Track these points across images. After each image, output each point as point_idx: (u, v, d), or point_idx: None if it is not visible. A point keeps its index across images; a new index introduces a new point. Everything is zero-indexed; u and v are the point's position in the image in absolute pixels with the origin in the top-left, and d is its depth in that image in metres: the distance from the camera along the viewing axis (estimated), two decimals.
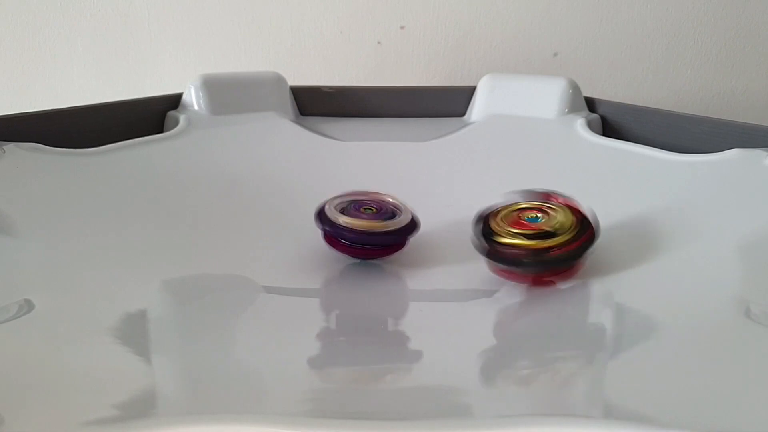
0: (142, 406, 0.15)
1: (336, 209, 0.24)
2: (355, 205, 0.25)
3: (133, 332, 0.19)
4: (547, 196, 0.24)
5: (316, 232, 0.26)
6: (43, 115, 0.31)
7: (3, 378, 0.15)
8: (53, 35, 0.48)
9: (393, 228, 0.24)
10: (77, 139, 0.31)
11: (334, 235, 0.24)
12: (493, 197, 0.30)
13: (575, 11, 0.47)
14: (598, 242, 0.23)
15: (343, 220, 0.24)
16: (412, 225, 0.25)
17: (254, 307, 0.23)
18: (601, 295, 0.23)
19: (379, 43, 0.48)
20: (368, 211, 0.25)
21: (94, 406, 0.14)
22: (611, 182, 0.30)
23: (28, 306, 0.19)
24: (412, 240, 0.25)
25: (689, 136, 0.32)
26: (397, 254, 0.25)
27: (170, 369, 0.18)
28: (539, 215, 0.23)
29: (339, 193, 0.26)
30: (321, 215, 0.24)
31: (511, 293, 0.23)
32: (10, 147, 0.28)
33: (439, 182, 0.32)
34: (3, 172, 0.26)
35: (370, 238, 0.24)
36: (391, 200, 0.26)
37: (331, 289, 0.25)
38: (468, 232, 0.24)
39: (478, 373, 0.18)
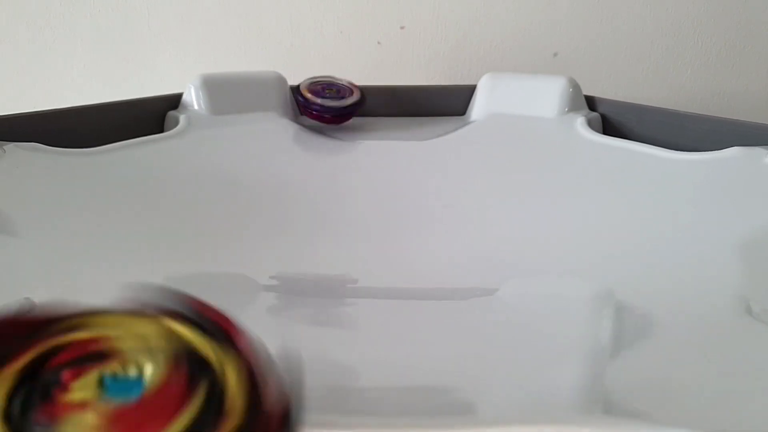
0: None
1: (307, 87, 0.36)
2: (328, 86, 0.37)
3: None
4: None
5: (315, 232, 0.26)
6: (43, 115, 0.31)
7: None
8: (53, 35, 0.48)
9: (328, 105, 0.36)
10: (77, 139, 0.31)
11: (305, 106, 0.36)
12: (493, 195, 0.30)
13: (575, 11, 0.47)
14: (602, 242, 0.23)
15: (306, 95, 0.36)
16: (357, 104, 0.36)
17: (254, 305, 0.23)
18: (602, 293, 0.22)
19: (379, 43, 0.48)
20: (330, 91, 0.36)
21: None
22: (611, 181, 0.30)
23: (28, 305, 0.19)
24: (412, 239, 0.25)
25: (690, 135, 0.32)
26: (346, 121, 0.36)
27: None
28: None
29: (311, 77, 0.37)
30: (297, 92, 0.36)
31: (510, 292, 0.23)
32: (10, 147, 0.28)
33: (440, 180, 0.32)
34: (3, 172, 0.26)
35: (328, 111, 0.36)
36: (351, 91, 0.37)
37: (328, 286, 0.25)
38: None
39: (479, 371, 0.18)
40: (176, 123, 0.34)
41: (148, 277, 0.23)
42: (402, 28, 0.47)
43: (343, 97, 0.36)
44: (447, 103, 0.39)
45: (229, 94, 0.36)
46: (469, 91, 0.38)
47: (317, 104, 0.35)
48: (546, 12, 0.47)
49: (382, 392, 0.17)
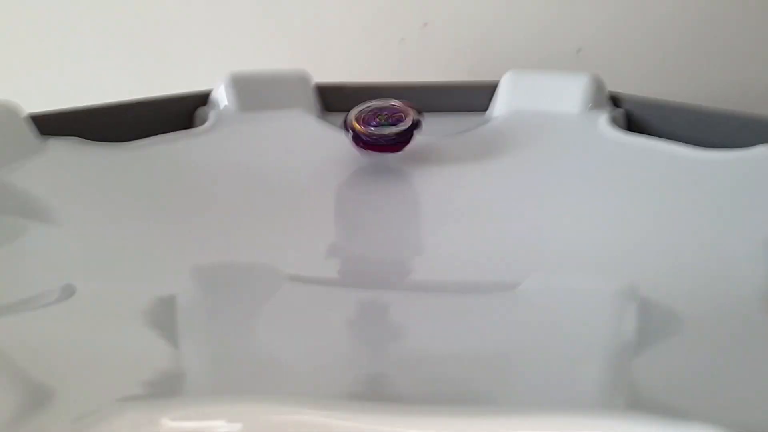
0: (171, 385, 0.16)
1: (357, 113, 0.33)
2: (378, 111, 0.33)
3: (165, 316, 0.20)
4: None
5: (338, 225, 0.26)
6: (81, 112, 0.33)
7: (51, 355, 0.16)
8: (83, 36, 0.50)
9: (380, 134, 0.32)
10: (112, 134, 0.32)
11: (354, 139, 0.32)
12: (516, 192, 0.30)
13: (599, 6, 0.46)
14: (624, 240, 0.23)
15: (351, 121, 0.32)
16: (411, 129, 0.32)
17: (279, 294, 0.23)
18: (626, 290, 0.23)
19: (402, 40, 0.48)
20: (382, 118, 0.33)
21: (127, 384, 0.15)
22: (636, 178, 0.30)
23: (70, 290, 0.20)
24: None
25: (717, 132, 0.32)
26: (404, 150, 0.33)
27: (198, 351, 0.19)
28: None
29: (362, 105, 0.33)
30: (345, 122, 0.33)
31: (533, 287, 0.24)
32: (52, 141, 0.29)
33: (462, 176, 0.32)
34: (46, 165, 0.28)
35: (378, 141, 0.32)
36: (409, 113, 0.33)
37: (355, 280, 0.25)
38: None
39: (501, 365, 0.19)
40: (206, 119, 0.35)
41: (179, 263, 0.24)
42: (425, 25, 0.48)
43: (396, 122, 0.32)
44: (470, 100, 0.39)
45: (257, 91, 0.37)
46: (491, 88, 0.39)
47: (368, 135, 0.32)
48: (569, 7, 0.46)
49: (405, 382, 0.18)
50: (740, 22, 0.45)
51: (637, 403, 0.16)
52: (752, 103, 0.46)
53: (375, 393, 0.17)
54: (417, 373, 0.18)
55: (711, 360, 0.18)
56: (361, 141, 0.32)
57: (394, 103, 0.33)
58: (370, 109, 0.33)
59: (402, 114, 0.33)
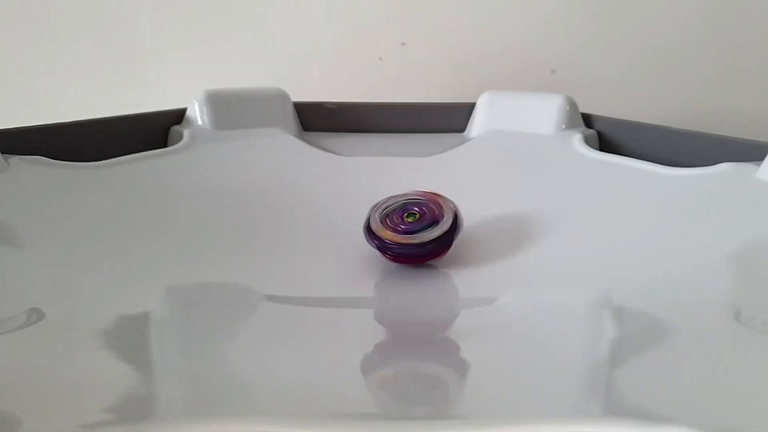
0: (143, 409, 0.16)
1: (380, 218, 0.26)
2: (402, 209, 0.27)
3: (137, 339, 0.20)
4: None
5: (317, 245, 0.26)
6: (47, 129, 0.32)
7: (17, 382, 0.16)
8: (55, 48, 0.49)
9: (434, 237, 0.26)
10: (80, 152, 0.31)
11: (380, 248, 0.26)
12: (493, 210, 0.31)
13: (572, 29, 0.47)
14: (599, 255, 0.23)
15: (377, 228, 0.26)
16: (452, 231, 0.26)
17: (256, 315, 0.23)
18: (601, 302, 0.23)
19: (380, 59, 0.49)
20: (411, 218, 0.26)
21: (96, 410, 0.15)
22: (607, 195, 0.30)
23: (37, 314, 0.19)
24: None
25: (683, 151, 0.33)
26: (443, 257, 0.27)
27: (171, 375, 0.18)
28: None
29: (386, 196, 0.28)
30: (368, 228, 0.27)
31: (510, 301, 0.24)
32: (15, 160, 0.28)
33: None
34: (8, 185, 0.27)
35: (412, 250, 0.26)
36: (442, 208, 0.27)
37: (332, 299, 0.25)
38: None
39: (479, 378, 0.19)
40: (180, 138, 0.35)
41: (151, 285, 0.23)
42: (403, 44, 0.48)
43: (431, 223, 0.26)
44: (447, 120, 0.39)
45: (233, 109, 0.36)
46: (468, 109, 0.39)
47: (401, 244, 0.25)
48: (544, 29, 0.48)
49: (381, 399, 0.17)
50: (709, 46, 0.47)
51: (614, 412, 0.16)
52: (717, 123, 0.48)
53: (351, 411, 0.17)
54: (394, 390, 0.18)
55: (684, 366, 0.18)
56: (391, 252, 0.26)
57: (420, 195, 0.27)
58: (394, 206, 0.27)
59: (435, 209, 0.26)
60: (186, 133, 0.35)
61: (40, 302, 0.20)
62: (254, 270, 0.26)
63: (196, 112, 0.36)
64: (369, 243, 0.26)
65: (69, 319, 0.20)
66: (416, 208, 0.26)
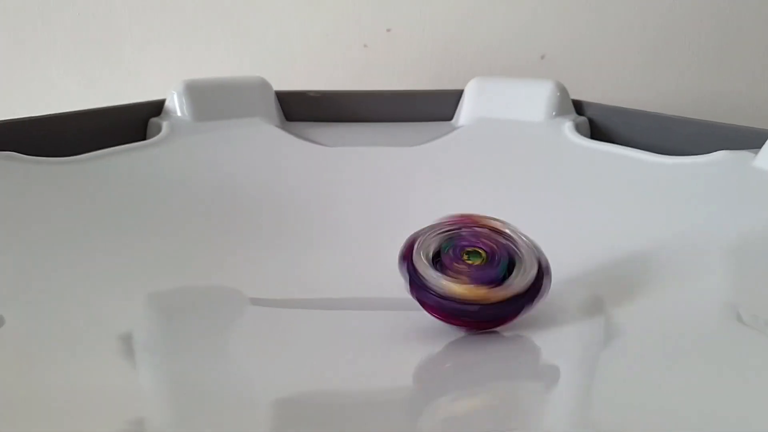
0: (129, 423, 0.15)
1: (426, 255, 0.17)
2: (455, 247, 0.18)
3: (110, 347, 0.19)
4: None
5: (303, 242, 0.25)
6: (21, 123, 0.31)
7: None
8: (32, 40, 0.47)
9: (513, 293, 0.17)
10: (57, 146, 0.30)
11: (425, 300, 0.18)
12: (482, 202, 0.30)
13: (562, 14, 0.46)
14: (589, 247, 0.23)
15: (443, 284, 0.16)
16: (539, 283, 0.17)
17: (242, 320, 0.22)
18: (590, 300, 0.22)
19: (365, 46, 0.47)
20: (474, 258, 0.17)
21: (66, 428, 0.14)
22: (599, 185, 0.30)
23: (0, 321, 0.18)
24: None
25: (677, 138, 0.32)
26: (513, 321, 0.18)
27: (153, 387, 0.17)
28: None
29: (432, 221, 0.19)
30: (408, 264, 0.18)
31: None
32: None
33: (427, 187, 0.31)
34: None
35: (479, 311, 0.16)
36: (504, 236, 0.18)
37: (320, 300, 0.24)
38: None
39: (466, 379, 0.18)
40: (159, 130, 0.34)
41: (131, 289, 0.22)
42: (388, 31, 0.47)
43: (509, 263, 0.18)
44: (434, 108, 0.39)
45: (213, 100, 0.35)
46: (456, 96, 0.38)
47: (488, 305, 0.17)
48: (533, 14, 0.47)
49: (368, 402, 0.17)
50: (700, 30, 0.46)
51: (602, 414, 0.16)
52: (711, 109, 0.47)
53: (341, 419, 0.16)
54: (386, 396, 0.17)
55: (675, 370, 0.17)
56: (472, 317, 0.18)
57: (459, 222, 0.19)
58: (439, 243, 0.18)
59: (492, 243, 0.18)
60: (165, 125, 0.34)
61: (5, 308, 0.19)
62: (238, 271, 0.25)
63: (175, 103, 0.35)
64: (408, 289, 0.18)
65: (34, 327, 0.19)
66: (474, 243, 0.17)
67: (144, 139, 0.34)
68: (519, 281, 0.17)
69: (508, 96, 0.36)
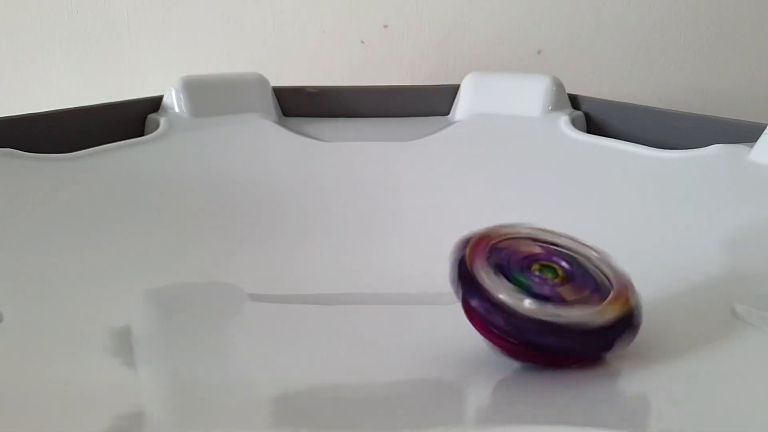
0: (128, 420, 0.15)
1: (489, 266, 0.14)
2: (524, 261, 0.14)
3: (108, 344, 0.19)
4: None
5: (300, 236, 0.25)
6: (21, 120, 0.31)
7: None
8: (30, 38, 0.47)
9: (614, 317, 0.13)
10: (55, 144, 0.30)
11: (493, 324, 0.13)
12: (479, 196, 0.30)
13: (558, 9, 0.47)
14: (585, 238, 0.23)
15: (526, 305, 0.13)
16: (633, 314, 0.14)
17: (240, 315, 0.22)
18: None
19: (362, 42, 0.48)
20: (549, 274, 0.14)
21: (65, 425, 0.14)
22: (595, 179, 0.30)
23: None
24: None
25: (673, 133, 0.32)
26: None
27: (152, 384, 0.17)
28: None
29: (484, 227, 0.16)
30: (465, 275, 0.14)
31: None
32: None
33: (424, 181, 0.32)
34: None
35: (574, 340, 0.13)
36: (584, 252, 0.15)
37: (318, 296, 0.25)
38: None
39: (464, 373, 0.18)
40: (157, 126, 0.34)
41: (129, 285, 0.22)
42: (385, 26, 0.47)
43: (594, 284, 0.14)
44: (431, 104, 0.39)
45: (210, 96, 0.35)
46: (452, 91, 0.38)
47: (526, 323, 0.14)
48: (529, 10, 0.47)
49: (370, 401, 0.17)
50: (695, 24, 0.46)
51: (601, 408, 0.16)
52: (706, 102, 0.47)
53: (341, 413, 0.16)
54: (383, 390, 0.17)
55: (671, 363, 0.17)
56: (573, 350, 0.14)
57: (539, 233, 0.16)
58: (508, 251, 0.15)
59: (592, 273, 0.15)
60: (163, 121, 0.34)
61: (3, 304, 0.19)
62: (235, 266, 0.25)
63: (173, 99, 0.35)
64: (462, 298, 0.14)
65: (33, 323, 0.19)
66: (550, 256, 0.14)
67: (142, 135, 0.34)
68: (608, 309, 0.13)
69: (505, 91, 0.36)
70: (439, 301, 0.24)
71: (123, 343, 0.19)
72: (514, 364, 0.17)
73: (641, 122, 0.34)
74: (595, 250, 0.16)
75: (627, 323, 0.14)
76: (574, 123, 0.34)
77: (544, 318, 0.13)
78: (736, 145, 0.28)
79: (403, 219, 0.29)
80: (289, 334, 0.21)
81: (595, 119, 0.36)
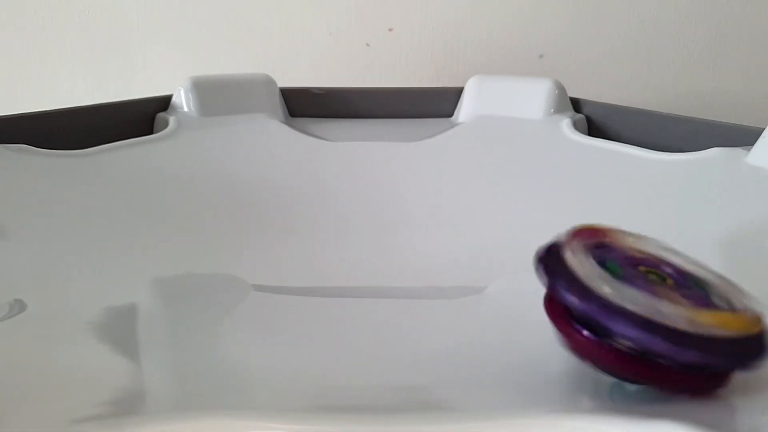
0: (132, 403, 0.15)
1: (590, 264, 0.12)
2: (628, 265, 0.13)
3: (124, 331, 0.19)
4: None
5: (306, 233, 0.26)
6: (32, 117, 0.31)
7: None
8: (42, 37, 0.48)
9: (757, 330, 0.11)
10: (66, 141, 0.31)
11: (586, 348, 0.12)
12: (481, 197, 0.31)
13: (560, 14, 0.47)
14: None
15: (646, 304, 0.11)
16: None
17: (244, 305, 0.23)
18: None
19: (367, 44, 0.48)
20: (654, 278, 0.13)
21: (84, 405, 0.14)
22: (596, 181, 0.30)
23: (20, 306, 0.19)
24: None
25: (672, 136, 0.33)
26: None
27: (159, 367, 0.18)
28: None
29: (568, 229, 0.15)
30: (559, 268, 0.13)
31: (499, 290, 0.24)
32: None
33: (428, 180, 0.32)
34: None
35: (711, 353, 0.11)
36: (685, 264, 0.13)
37: (321, 288, 0.25)
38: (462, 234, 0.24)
39: (469, 367, 0.19)
40: (166, 125, 0.34)
41: (138, 276, 0.23)
42: (390, 30, 0.48)
43: (701, 294, 0.14)
44: (435, 105, 0.39)
45: (219, 96, 0.36)
46: (456, 94, 0.39)
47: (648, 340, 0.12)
48: (531, 14, 0.47)
49: (372, 390, 0.17)
50: (694, 29, 0.47)
51: (601, 401, 0.16)
52: (705, 107, 0.48)
53: (343, 403, 0.17)
54: (385, 380, 0.18)
55: None
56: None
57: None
58: (619, 252, 0.14)
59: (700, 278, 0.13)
60: (172, 119, 0.34)
61: (22, 293, 0.20)
62: (243, 262, 0.26)
63: (182, 99, 0.36)
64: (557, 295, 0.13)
65: (53, 311, 0.19)
66: (666, 270, 0.13)
67: (151, 133, 0.35)
68: (734, 318, 0.12)
69: (508, 94, 0.37)
70: (442, 296, 0.24)
71: (130, 330, 0.20)
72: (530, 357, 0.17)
73: (641, 125, 0.35)
74: (720, 277, 0.14)
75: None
76: (576, 126, 0.35)
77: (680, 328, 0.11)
78: (734, 149, 0.28)
79: (406, 216, 0.30)
80: (291, 324, 0.21)
81: (596, 122, 0.37)
